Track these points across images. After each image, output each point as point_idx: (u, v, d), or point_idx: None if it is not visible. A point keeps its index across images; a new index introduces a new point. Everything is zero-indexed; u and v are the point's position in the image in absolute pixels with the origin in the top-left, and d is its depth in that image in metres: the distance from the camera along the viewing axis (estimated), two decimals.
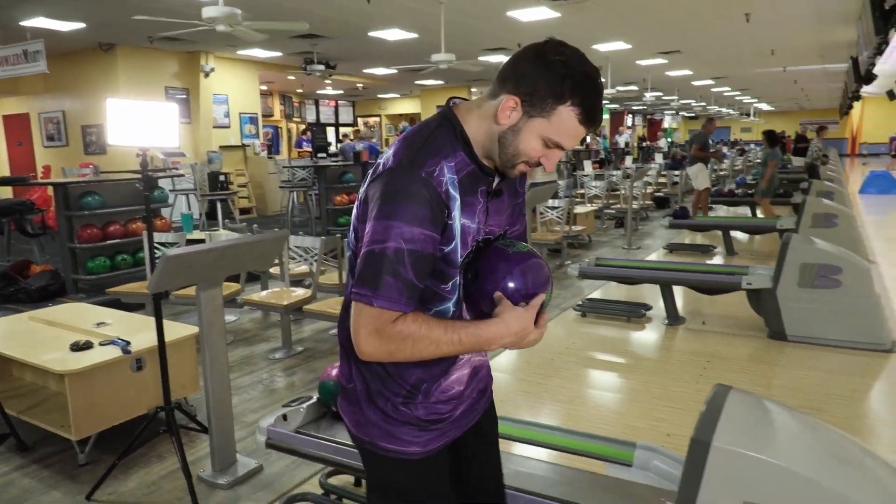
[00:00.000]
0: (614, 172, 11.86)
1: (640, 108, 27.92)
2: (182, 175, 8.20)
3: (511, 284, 1.18)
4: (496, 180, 1.22)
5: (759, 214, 9.57)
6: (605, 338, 4.62)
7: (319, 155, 12.93)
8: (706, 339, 4.40)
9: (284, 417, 2.34)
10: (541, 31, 9.66)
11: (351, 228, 1.25)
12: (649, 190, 11.58)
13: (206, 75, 11.00)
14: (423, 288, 1.15)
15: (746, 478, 1.50)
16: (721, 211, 10.97)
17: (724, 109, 27.92)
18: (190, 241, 4.74)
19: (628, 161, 16.37)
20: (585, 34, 10.26)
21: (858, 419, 3.21)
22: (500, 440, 1.63)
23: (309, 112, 19.29)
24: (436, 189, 1.11)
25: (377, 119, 23.16)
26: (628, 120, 28.62)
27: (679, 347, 4.34)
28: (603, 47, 11.57)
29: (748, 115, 28.81)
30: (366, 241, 1.12)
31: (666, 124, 30.14)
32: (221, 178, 9.71)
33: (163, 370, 2.73)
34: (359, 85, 16.38)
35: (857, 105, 23.96)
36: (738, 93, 22.30)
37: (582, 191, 10.53)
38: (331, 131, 19.81)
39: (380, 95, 20.87)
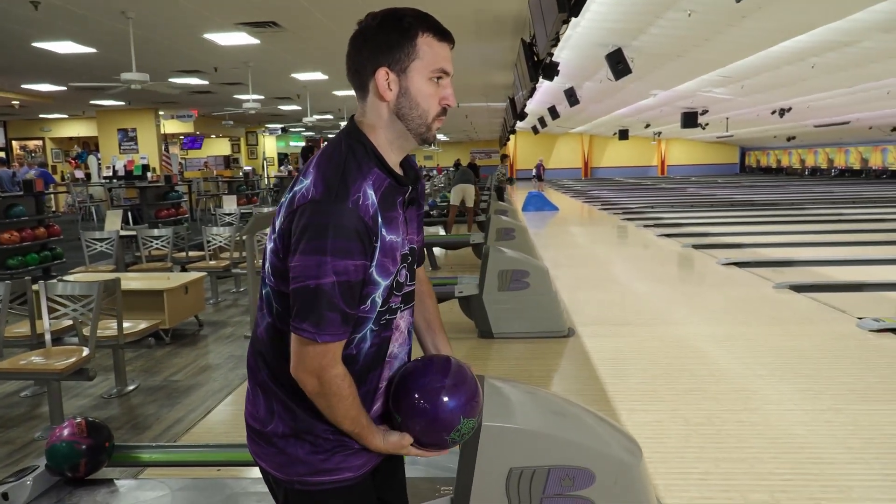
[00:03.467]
0: None
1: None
2: None
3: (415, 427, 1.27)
4: (409, 189, 1.24)
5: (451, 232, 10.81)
6: None
7: None
8: None
9: (5, 496, 1.97)
10: (240, 55, 9.51)
11: (266, 263, 1.22)
12: None
13: None
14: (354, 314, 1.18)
15: (509, 447, 1.78)
16: None
17: None
18: None
19: None
20: (285, 62, 10.40)
21: (554, 386, 3.96)
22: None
23: None
24: (363, 219, 1.12)
25: (39, 143, 19.87)
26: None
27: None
28: (302, 76, 11.85)
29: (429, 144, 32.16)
30: (297, 275, 1.13)
31: None
32: None
33: None
34: (14, 102, 13.87)
35: (512, 137, 28.71)
36: None
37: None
38: None
39: (42, 115, 17.95)
